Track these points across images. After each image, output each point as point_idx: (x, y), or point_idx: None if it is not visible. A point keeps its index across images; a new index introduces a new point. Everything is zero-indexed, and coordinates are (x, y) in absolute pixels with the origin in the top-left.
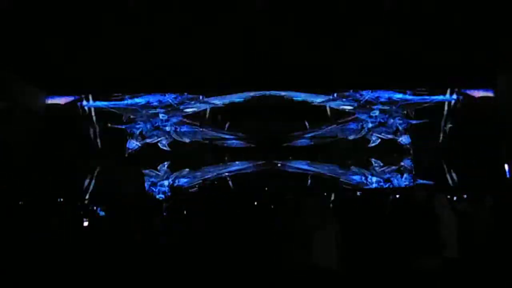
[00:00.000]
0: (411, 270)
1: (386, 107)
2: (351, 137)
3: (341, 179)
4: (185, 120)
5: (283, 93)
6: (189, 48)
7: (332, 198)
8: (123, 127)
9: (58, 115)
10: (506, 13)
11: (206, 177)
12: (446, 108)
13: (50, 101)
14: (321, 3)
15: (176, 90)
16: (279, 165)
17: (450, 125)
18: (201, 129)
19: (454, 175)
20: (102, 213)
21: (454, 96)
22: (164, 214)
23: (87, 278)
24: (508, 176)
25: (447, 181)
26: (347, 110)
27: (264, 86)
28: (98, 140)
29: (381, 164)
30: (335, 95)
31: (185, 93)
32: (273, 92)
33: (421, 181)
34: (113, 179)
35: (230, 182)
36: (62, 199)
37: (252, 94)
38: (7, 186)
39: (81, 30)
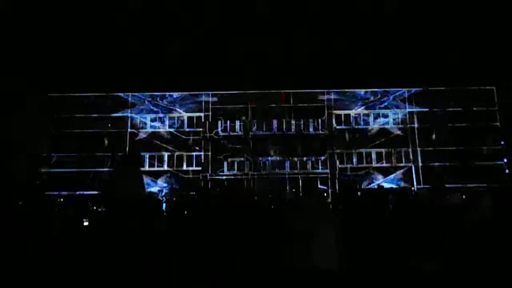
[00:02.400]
0: (411, 270)
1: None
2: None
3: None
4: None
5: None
6: (188, 48)
7: (332, 198)
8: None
9: (57, 113)
10: (506, 12)
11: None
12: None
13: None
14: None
15: (177, 89)
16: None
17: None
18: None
19: (454, 174)
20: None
21: None
22: (165, 214)
23: (87, 278)
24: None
25: (447, 181)
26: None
27: (264, 86)
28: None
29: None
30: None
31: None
32: None
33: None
34: (113, 179)
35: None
36: (62, 199)
37: None
38: (7, 186)
39: (80, 31)
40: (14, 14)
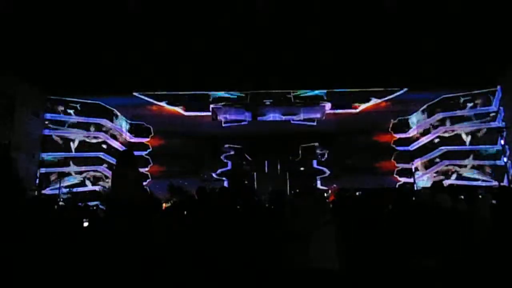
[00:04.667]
0: (411, 270)
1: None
2: None
3: None
4: None
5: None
6: (189, 48)
7: (332, 198)
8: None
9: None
10: (506, 11)
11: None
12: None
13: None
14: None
15: (177, 89)
16: None
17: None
18: None
19: (454, 174)
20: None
21: None
22: (164, 213)
23: (87, 278)
24: (508, 174)
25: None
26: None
27: (264, 86)
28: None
29: None
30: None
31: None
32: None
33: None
34: (112, 179)
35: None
36: (62, 199)
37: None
38: (8, 185)
39: (80, 31)
40: (14, 14)
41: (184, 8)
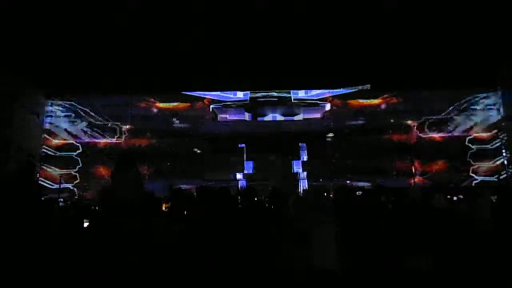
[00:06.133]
0: (410, 270)
1: None
2: None
3: None
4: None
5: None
6: (188, 48)
7: (332, 197)
8: None
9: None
10: (505, 11)
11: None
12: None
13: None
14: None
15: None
16: None
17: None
18: None
19: (454, 174)
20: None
21: None
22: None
23: (87, 278)
24: (508, 174)
25: (446, 180)
26: None
27: (264, 86)
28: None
29: None
30: None
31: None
32: None
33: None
34: (112, 179)
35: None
36: (62, 199)
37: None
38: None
39: (80, 31)
40: (14, 14)
41: (184, 8)
